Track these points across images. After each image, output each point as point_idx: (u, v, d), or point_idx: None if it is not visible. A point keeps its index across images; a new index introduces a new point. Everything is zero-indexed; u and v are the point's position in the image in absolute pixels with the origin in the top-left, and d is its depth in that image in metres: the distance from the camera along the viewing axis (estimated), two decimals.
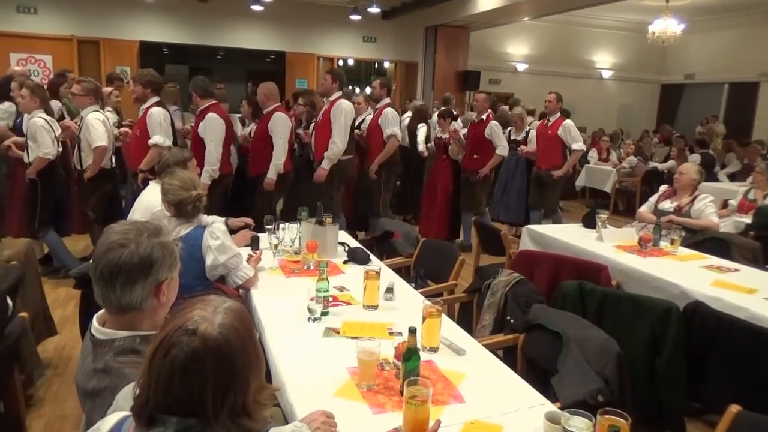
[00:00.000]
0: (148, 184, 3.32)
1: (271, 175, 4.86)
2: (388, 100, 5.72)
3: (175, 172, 2.55)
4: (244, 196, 5.21)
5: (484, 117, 5.96)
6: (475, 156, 5.94)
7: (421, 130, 7.03)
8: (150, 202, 2.86)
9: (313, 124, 5.57)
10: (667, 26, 11.33)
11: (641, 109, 15.50)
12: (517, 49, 14.13)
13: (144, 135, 4.48)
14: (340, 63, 12.71)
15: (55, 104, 5.43)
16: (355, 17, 10.89)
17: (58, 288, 4.56)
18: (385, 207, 5.71)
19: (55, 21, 10.18)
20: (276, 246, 2.98)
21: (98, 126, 4.52)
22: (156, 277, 1.40)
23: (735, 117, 13.46)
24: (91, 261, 1.43)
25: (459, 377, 1.88)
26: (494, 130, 5.81)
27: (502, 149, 5.85)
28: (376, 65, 14.19)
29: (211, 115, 4.57)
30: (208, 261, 2.44)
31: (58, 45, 10.25)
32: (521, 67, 14.17)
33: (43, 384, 3.15)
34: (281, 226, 3.13)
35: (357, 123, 5.85)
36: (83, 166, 4.63)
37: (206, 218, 2.53)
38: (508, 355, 2.52)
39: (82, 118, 4.68)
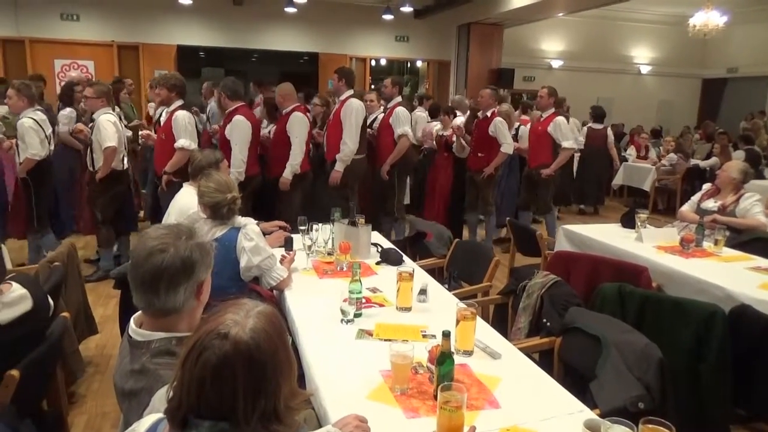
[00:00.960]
0: (178, 186, 3.39)
1: (287, 174, 4.84)
2: (399, 98, 5.62)
3: (210, 174, 2.57)
4: (265, 198, 5.20)
5: (489, 113, 5.72)
6: (479, 154, 5.74)
7: (437, 125, 7.05)
8: (185, 204, 2.89)
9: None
10: (708, 18, 10.95)
11: (682, 104, 15.05)
12: (552, 45, 13.90)
13: (169, 138, 4.52)
14: (373, 63, 12.73)
15: (67, 112, 5.58)
16: (388, 17, 10.87)
17: (99, 287, 4.68)
18: (399, 208, 5.62)
19: (97, 27, 10.48)
20: (309, 247, 2.98)
21: (108, 127, 4.57)
22: (197, 278, 1.43)
23: None
24: (128, 267, 1.44)
25: (494, 382, 1.84)
26: (499, 127, 5.58)
27: (508, 147, 5.61)
28: (409, 64, 14.15)
29: (238, 118, 4.58)
30: (243, 262, 2.45)
31: (100, 50, 10.54)
32: (556, 63, 13.93)
33: (84, 381, 3.23)
34: (314, 227, 3.13)
35: (369, 122, 5.79)
36: (95, 167, 4.70)
37: (240, 220, 2.55)
38: (544, 359, 2.46)
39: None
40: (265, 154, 5.33)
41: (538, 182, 5.85)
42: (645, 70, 14.71)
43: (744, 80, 14.13)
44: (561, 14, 11.51)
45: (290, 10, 10.45)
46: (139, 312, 1.47)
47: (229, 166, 4.50)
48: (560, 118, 5.79)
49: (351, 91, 5.13)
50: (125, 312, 2.72)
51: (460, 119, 6.71)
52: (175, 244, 1.40)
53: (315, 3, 10.47)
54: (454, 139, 6.02)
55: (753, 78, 13.79)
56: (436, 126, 7.21)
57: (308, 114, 5.31)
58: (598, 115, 8.62)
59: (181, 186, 3.31)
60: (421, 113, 7.39)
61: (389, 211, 5.49)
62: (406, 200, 6.11)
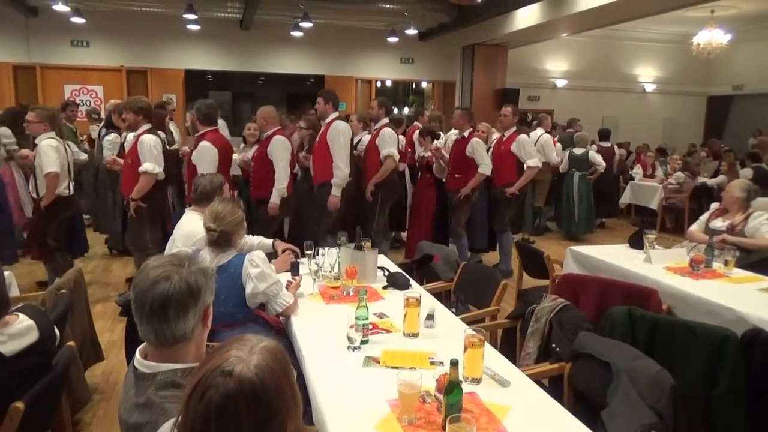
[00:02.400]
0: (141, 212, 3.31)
1: (274, 199, 4.78)
2: (386, 120, 5.57)
3: (216, 201, 2.59)
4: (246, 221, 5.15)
5: (466, 134, 5.64)
6: (456, 175, 5.65)
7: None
8: (191, 230, 2.90)
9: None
10: (712, 37, 11.01)
11: (687, 122, 15.04)
12: (556, 65, 13.97)
13: (136, 162, 4.44)
14: (378, 84, 12.83)
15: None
16: (393, 39, 10.99)
17: (106, 313, 4.68)
18: (378, 230, 5.49)
19: (106, 53, 10.66)
20: (315, 272, 2.97)
21: (50, 152, 4.42)
22: (203, 302, 1.43)
23: None
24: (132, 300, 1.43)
25: (503, 411, 1.81)
26: (476, 147, 5.50)
27: (485, 168, 5.49)
28: (414, 85, 14.26)
29: (203, 144, 4.48)
30: (248, 289, 2.45)
31: (109, 75, 10.70)
32: (560, 83, 13.99)
33: (90, 409, 3.21)
34: (320, 251, 3.12)
35: (354, 143, 5.77)
36: (39, 194, 4.56)
37: (253, 241, 2.55)
38: (553, 385, 2.43)
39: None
40: (247, 177, 5.32)
41: (500, 201, 5.80)
42: (650, 88, 14.75)
43: (750, 97, 14.12)
44: (565, 35, 11.59)
45: (296, 34, 10.59)
46: (145, 343, 1.46)
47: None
48: (523, 137, 5.80)
49: (336, 113, 5.07)
50: (132, 338, 2.71)
51: (447, 139, 6.77)
52: (179, 271, 1.41)
53: (321, 27, 10.60)
54: (434, 160, 5.94)
55: (759, 95, 13.78)
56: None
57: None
58: (603, 134, 8.82)
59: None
60: (453, 135, 7.45)
61: (367, 232, 5.27)
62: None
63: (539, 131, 7.84)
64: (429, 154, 5.95)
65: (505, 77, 12.29)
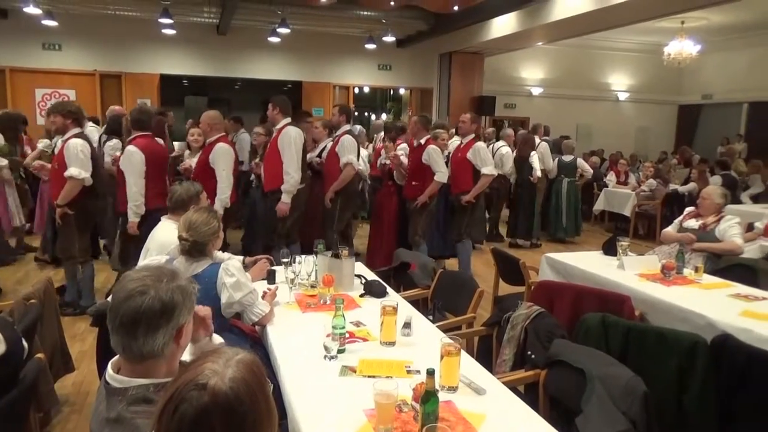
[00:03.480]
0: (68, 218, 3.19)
1: (218, 209, 4.56)
2: (347, 127, 5.52)
3: (192, 210, 2.56)
4: None
5: (422, 141, 5.54)
6: (413, 183, 5.58)
7: (535, 158, 7.69)
8: (165, 239, 2.86)
9: None
10: (682, 47, 11.29)
11: (659, 130, 15.37)
12: (532, 73, 14.17)
13: (62, 167, 4.32)
14: (356, 91, 12.86)
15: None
16: (371, 46, 11.03)
17: (77, 322, 4.58)
18: (337, 233, 5.43)
19: (79, 57, 10.48)
20: (292, 280, 2.95)
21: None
22: (177, 322, 1.39)
23: (756, 137, 13.25)
24: (108, 309, 1.41)
25: (479, 419, 1.82)
26: (432, 155, 5.40)
27: (441, 175, 5.40)
28: (392, 92, 14.33)
29: (130, 148, 4.38)
30: (223, 299, 2.42)
31: (82, 80, 10.53)
32: (536, 91, 14.19)
33: (60, 421, 3.14)
34: (297, 259, 3.11)
35: (318, 151, 5.79)
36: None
37: (221, 255, 2.52)
38: (529, 392, 2.45)
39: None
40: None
41: (457, 209, 5.74)
42: (623, 96, 15.04)
43: (718, 106, 14.50)
44: (540, 43, 11.76)
45: (274, 39, 10.55)
46: (118, 356, 1.43)
47: (120, 200, 4.48)
48: (479, 144, 5.72)
49: (287, 120, 4.96)
50: (103, 349, 2.66)
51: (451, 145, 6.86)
52: (156, 287, 1.38)
53: (298, 33, 10.59)
54: (395, 167, 5.91)
55: (727, 104, 14.16)
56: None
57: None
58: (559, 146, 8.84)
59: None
60: (457, 142, 7.51)
61: (328, 239, 5.22)
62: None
63: (500, 144, 7.94)
64: (389, 161, 5.89)
65: (482, 85, 12.42)
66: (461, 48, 11.66)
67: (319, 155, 5.79)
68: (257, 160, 5.66)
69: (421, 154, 5.50)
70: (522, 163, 7.84)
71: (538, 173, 7.85)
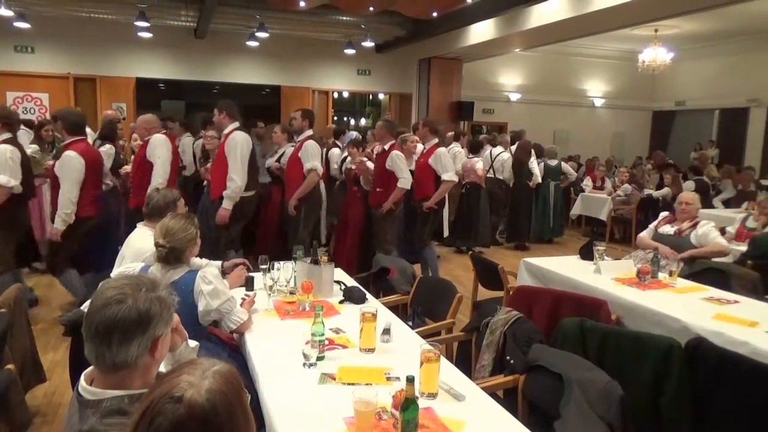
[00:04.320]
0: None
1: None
2: (310, 132, 5.40)
3: (169, 216, 2.53)
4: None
5: (386, 147, 5.45)
6: (378, 189, 5.49)
7: (534, 163, 8.01)
8: (141, 246, 2.82)
9: None
10: (656, 55, 11.52)
11: (634, 136, 15.64)
12: (510, 79, 14.32)
13: None
14: (335, 96, 12.85)
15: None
16: (350, 51, 11.04)
17: (49, 331, 4.48)
18: (301, 241, 5.14)
19: (52, 59, 10.29)
20: (270, 287, 2.93)
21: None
22: (153, 333, 1.36)
23: (727, 143, 13.59)
24: (83, 316, 1.38)
25: (459, 425, 1.82)
26: (395, 161, 5.32)
27: (404, 182, 5.31)
28: (371, 97, 14.35)
29: (68, 153, 4.24)
30: (201, 307, 2.39)
31: (55, 83, 10.34)
32: (514, 96, 14.33)
33: None
34: (276, 265, 3.08)
35: (277, 156, 5.73)
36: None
37: (198, 262, 2.50)
38: (508, 397, 2.46)
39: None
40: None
41: (418, 216, 5.65)
42: (599, 103, 15.28)
43: (691, 113, 14.82)
44: (518, 50, 11.90)
45: (252, 43, 10.51)
46: (91, 367, 1.40)
47: (53, 206, 4.34)
48: (441, 150, 5.65)
49: (236, 124, 4.83)
50: (76, 359, 2.61)
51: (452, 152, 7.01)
52: (134, 296, 1.35)
53: (277, 37, 10.55)
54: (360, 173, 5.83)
55: (700, 111, 14.49)
56: (479, 162, 7.51)
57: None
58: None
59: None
60: (457, 148, 7.72)
61: (290, 248, 4.98)
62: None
63: (499, 149, 8.04)
64: (354, 166, 5.84)
65: (461, 90, 12.52)
66: (440, 54, 11.74)
67: (278, 160, 5.66)
68: (208, 165, 5.47)
69: (385, 159, 5.42)
70: (519, 167, 8.06)
71: (539, 179, 8.17)
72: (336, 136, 8.03)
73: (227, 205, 4.69)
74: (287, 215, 5.41)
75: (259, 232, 5.99)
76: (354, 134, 7.66)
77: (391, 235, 5.53)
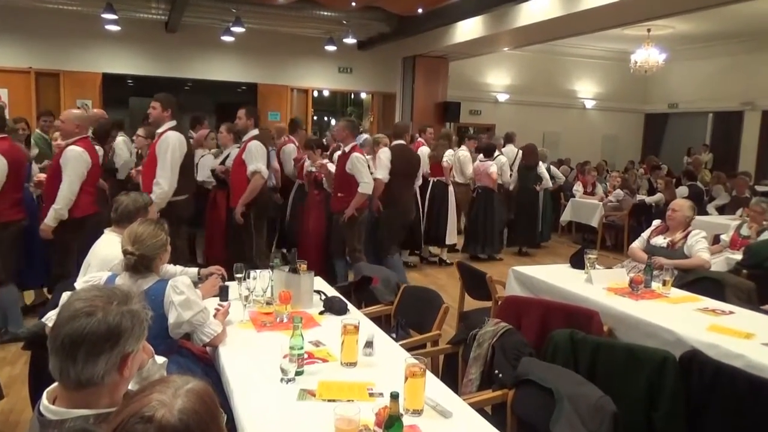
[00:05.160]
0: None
1: (49, 221, 4.23)
2: (255, 131, 5.21)
3: (137, 222, 2.50)
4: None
5: (347, 149, 5.33)
6: (339, 194, 5.41)
7: (543, 168, 8.29)
8: (108, 253, 2.78)
9: None
10: (649, 56, 11.71)
11: (626, 139, 15.86)
12: (498, 79, 14.44)
13: None
14: (315, 94, 12.83)
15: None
16: (331, 48, 11.04)
17: (6, 344, 4.39)
18: (258, 253, 5.17)
19: (12, 52, 10.12)
20: (246, 297, 2.91)
21: None
22: (122, 349, 1.35)
23: (720, 147, 13.85)
24: (47, 328, 1.36)
25: None
26: (355, 164, 5.21)
27: (365, 186, 5.22)
28: (353, 96, 14.37)
29: None
30: (171, 318, 2.36)
31: (15, 78, 10.16)
32: (502, 97, 14.45)
33: None
34: (252, 274, 3.06)
35: (222, 158, 5.67)
36: None
37: (170, 270, 2.47)
38: (496, 413, 2.47)
39: None
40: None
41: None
42: (590, 104, 15.48)
43: (684, 115, 15.08)
44: (506, 48, 12.00)
45: (227, 38, 10.45)
46: (54, 385, 1.38)
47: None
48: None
49: (172, 123, 4.62)
50: (36, 374, 2.56)
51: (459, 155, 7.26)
52: (105, 309, 1.34)
53: (254, 32, 10.51)
54: (323, 177, 5.86)
55: (693, 113, 14.75)
56: (493, 166, 7.61)
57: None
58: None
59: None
60: (464, 152, 7.85)
61: (247, 257, 4.91)
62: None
63: (462, 149, 8.12)
64: (315, 169, 5.82)
65: (447, 90, 12.59)
66: (425, 52, 11.80)
67: (223, 162, 5.58)
68: (139, 167, 5.28)
69: (346, 162, 5.31)
70: (527, 172, 8.23)
71: (549, 184, 8.42)
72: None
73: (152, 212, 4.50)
74: (234, 223, 5.18)
75: (206, 240, 5.90)
76: (365, 137, 7.47)
77: (358, 241, 5.45)
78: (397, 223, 5.85)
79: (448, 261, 7.53)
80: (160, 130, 4.62)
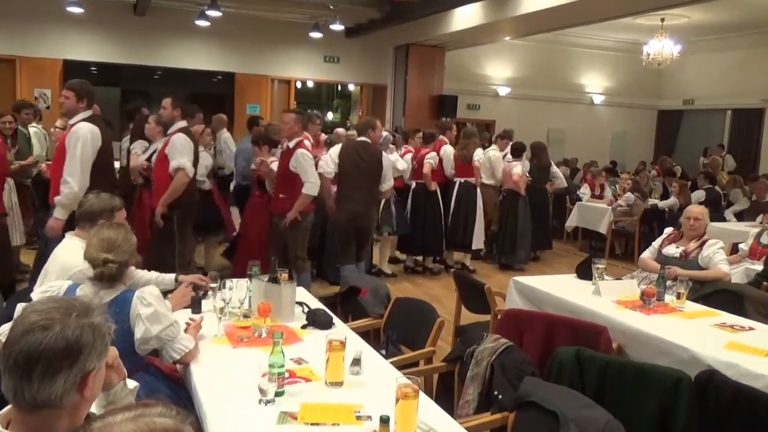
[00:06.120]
0: None
1: None
2: (183, 123, 5.09)
3: (101, 227, 2.48)
4: None
5: (291, 144, 5.20)
6: (281, 195, 5.30)
7: (556, 168, 8.57)
8: (68, 260, 2.76)
9: None
10: (662, 48, 11.81)
11: (637, 137, 15.98)
12: (499, 71, 14.50)
13: None
14: (298, 85, 12.84)
15: None
16: (316, 35, 11.05)
17: None
18: (183, 263, 5.01)
19: None
20: (221, 309, 2.89)
21: None
22: (82, 367, 1.33)
23: (739, 146, 13.95)
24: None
25: None
26: (300, 161, 5.09)
27: (311, 186, 5.11)
28: (339, 88, 14.39)
29: None
30: (138, 333, 2.35)
31: None
32: (503, 91, 14.52)
33: None
34: (228, 284, 3.05)
35: (149, 153, 5.62)
36: None
37: (144, 277, 2.47)
38: None
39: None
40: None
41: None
42: (598, 99, 15.58)
43: (701, 112, 15.22)
44: (508, 38, 12.07)
45: (202, 23, 10.43)
46: (8, 407, 1.37)
47: None
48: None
49: (85, 114, 4.45)
50: None
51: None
52: (63, 322, 1.32)
53: (231, 17, 10.51)
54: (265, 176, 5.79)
55: (710, 110, 14.88)
56: (517, 167, 7.69)
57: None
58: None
59: None
60: (495, 152, 7.96)
61: (168, 265, 4.76)
62: None
63: (492, 148, 8.23)
64: (254, 166, 5.76)
65: (443, 82, 12.63)
66: (419, 40, 11.83)
67: (150, 158, 5.52)
68: (50, 161, 5.22)
69: (289, 159, 5.20)
70: (539, 172, 8.37)
71: (564, 183, 8.70)
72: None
73: (59, 214, 4.28)
74: (155, 226, 5.03)
75: None
76: (385, 134, 7.20)
77: (303, 248, 5.38)
78: (342, 225, 5.76)
79: (471, 268, 7.60)
80: (72, 121, 4.47)
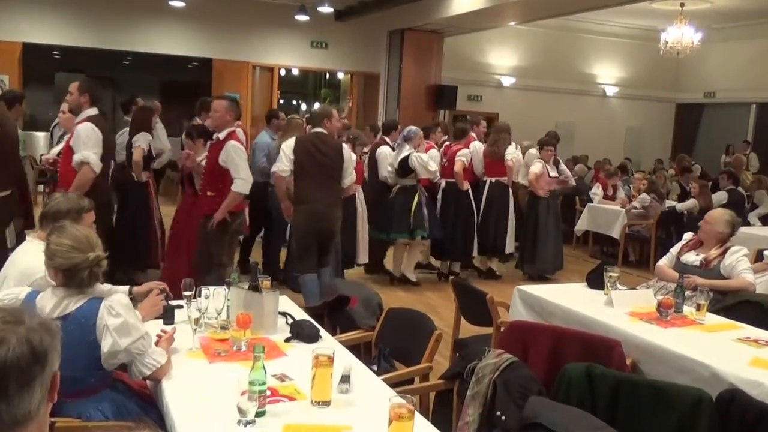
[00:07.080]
0: None
1: None
2: (92, 111, 4.98)
3: (65, 227, 2.47)
4: None
5: (222, 135, 5.10)
6: (209, 193, 5.19)
7: (536, 164, 8.11)
8: (28, 265, 2.75)
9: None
10: (682, 35, 11.86)
11: (653, 132, 16.05)
12: (503, 59, 14.54)
13: None
14: (282, 73, 12.84)
15: None
16: (302, 18, 11.05)
17: None
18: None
19: None
20: (197, 320, 2.89)
21: None
22: (51, 369, 1.35)
23: (764, 143, 14.03)
24: None
25: None
26: (231, 155, 4.98)
27: (241, 184, 4.98)
28: (327, 76, 14.39)
29: None
30: (106, 346, 2.34)
31: None
32: (507, 81, 14.56)
33: None
34: (204, 292, 3.04)
35: (61, 147, 5.48)
36: None
37: (103, 288, 2.45)
38: None
39: None
40: None
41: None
42: (611, 91, 15.66)
43: (722, 106, 15.31)
44: (513, 23, 12.12)
45: (176, 4, 10.41)
46: None
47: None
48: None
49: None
50: None
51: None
52: (16, 331, 1.33)
53: None
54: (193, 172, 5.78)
55: (732, 104, 14.96)
56: (536, 165, 7.73)
57: None
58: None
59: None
60: (532, 150, 8.05)
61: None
62: None
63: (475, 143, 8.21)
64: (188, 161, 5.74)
65: (441, 71, 12.65)
66: (416, 25, 11.85)
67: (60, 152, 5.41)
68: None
69: (219, 152, 5.09)
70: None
71: (572, 181, 8.78)
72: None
73: None
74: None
75: None
76: (413, 128, 7.08)
77: (228, 255, 5.30)
78: (300, 229, 5.61)
79: (498, 273, 7.67)
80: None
